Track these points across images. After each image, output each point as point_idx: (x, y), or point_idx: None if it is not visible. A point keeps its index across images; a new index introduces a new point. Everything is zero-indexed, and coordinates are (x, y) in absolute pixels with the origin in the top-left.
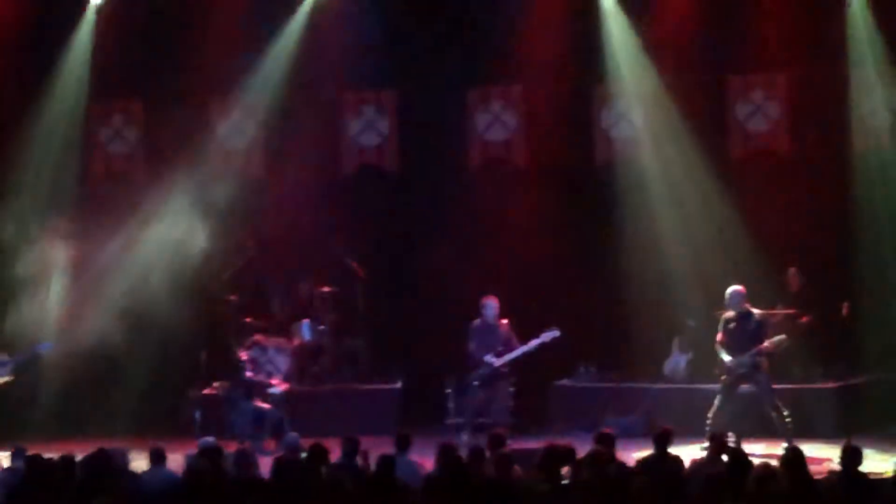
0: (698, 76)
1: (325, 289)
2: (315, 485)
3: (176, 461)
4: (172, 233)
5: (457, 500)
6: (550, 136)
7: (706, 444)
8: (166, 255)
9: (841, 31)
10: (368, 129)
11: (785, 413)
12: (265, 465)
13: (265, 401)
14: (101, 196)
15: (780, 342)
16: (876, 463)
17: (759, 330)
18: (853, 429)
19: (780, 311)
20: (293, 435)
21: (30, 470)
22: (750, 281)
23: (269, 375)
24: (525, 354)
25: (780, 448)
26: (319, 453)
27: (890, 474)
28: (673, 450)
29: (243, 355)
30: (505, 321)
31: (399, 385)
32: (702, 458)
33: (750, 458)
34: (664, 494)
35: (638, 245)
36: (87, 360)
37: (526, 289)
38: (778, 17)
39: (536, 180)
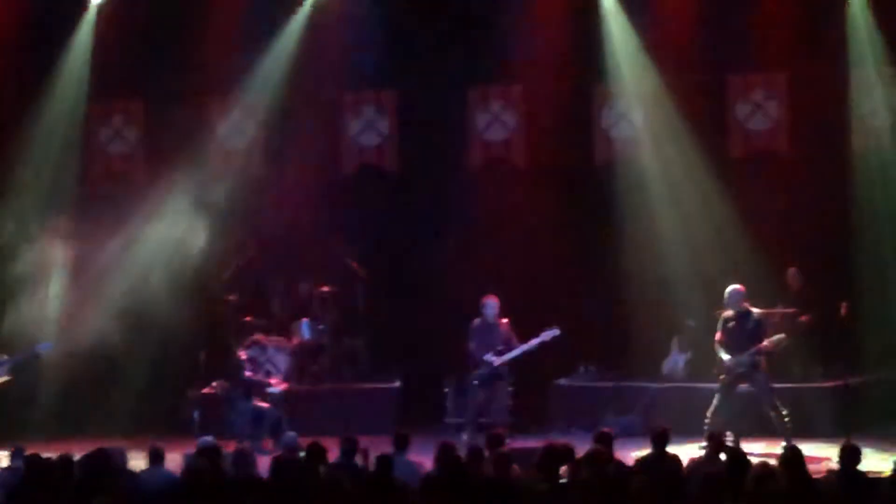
0: (698, 76)
1: (325, 288)
2: (313, 484)
3: (174, 461)
4: (172, 232)
5: (455, 500)
6: (550, 136)
7: (705, 444)
8: (166, 255)
9: (841, 31)
10: (368, 128)
11: (784, 413)
12: (264, 464)
13: (264, 400)
14: (101, 196)
15: (779, 341)
16: (875, 462)
17: (759, 329)
18: (852, 428)
19: (780, 311)
20: (292, 434)
21: (29, 469)
22: (750, 280)
23: (269, 375)
24: (525, 353)
25: (779, 447)
26: (318, 453)
27: (888, 473)
28: (672, 449)
29: (243, 355)
30: (505, 320)
31: (398, 384)
32: (700, 458)
33: (749, 458)
34: (663, 494)
35: (638, 245)
36: (87, 360)
37: (526, 288)
38: (778, 17)
39: (536, 180)
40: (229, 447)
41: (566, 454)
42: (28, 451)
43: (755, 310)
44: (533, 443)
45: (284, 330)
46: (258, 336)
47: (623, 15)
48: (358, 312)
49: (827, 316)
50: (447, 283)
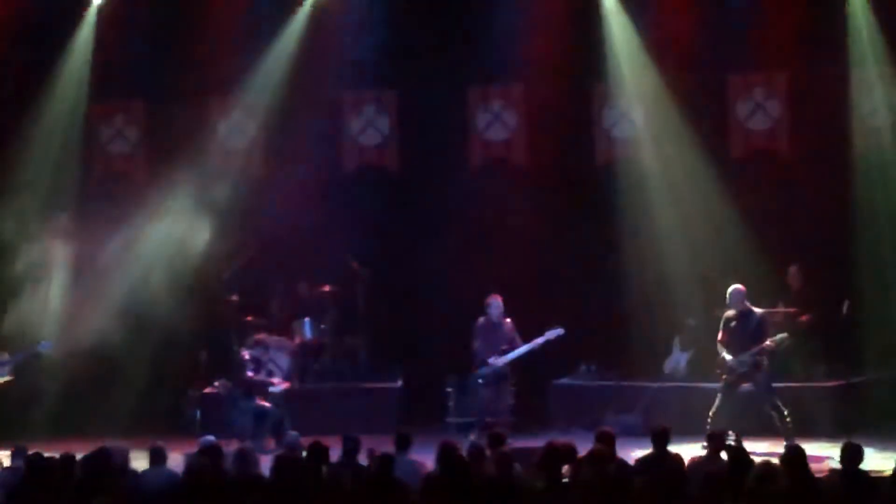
0: (699, 75)
1: (326, 288)
2: (315, 484)
3: (176, 460)
4: (173, 232)
5: (457, 500)
6: (551, 136)
7: (706, 443)
8: (167, 255)
9: (841, 30)
10: (369, 128)
11: (785, 412)
12: (265, 463)
13: (266, 400)
14: (102, 195)
15: (781, 340)
16: (876, 461)
17: (760, 328)
18: (854, 427)
19: (781, 310)
20: (293, 434)
21: (29, 469)
22: (751, 280)
23: (271, 374)
24: (529, 352)
25: (781, 446)
26: (319, 452)
27: (890, 473)
28: (673, 448)
29: (246, 354)
30: (509, 320)
31: (399, 384)
32: (701, 457)
33: (750, 457)
34: (664, 493)
35: (638, 244)
36: (88, 360)
37: (526, 288)
38: (778, 17)
39: (537, 180)
40: (231, 447)
41: (567, 454)
42: (29, 451)
43: (757, 309)
44: (534, 442)
45: (285, 329)
46: (261, 335)
47: (624, 14)
48: (358, 312)
49: (828, 315)
50: (447, 283)
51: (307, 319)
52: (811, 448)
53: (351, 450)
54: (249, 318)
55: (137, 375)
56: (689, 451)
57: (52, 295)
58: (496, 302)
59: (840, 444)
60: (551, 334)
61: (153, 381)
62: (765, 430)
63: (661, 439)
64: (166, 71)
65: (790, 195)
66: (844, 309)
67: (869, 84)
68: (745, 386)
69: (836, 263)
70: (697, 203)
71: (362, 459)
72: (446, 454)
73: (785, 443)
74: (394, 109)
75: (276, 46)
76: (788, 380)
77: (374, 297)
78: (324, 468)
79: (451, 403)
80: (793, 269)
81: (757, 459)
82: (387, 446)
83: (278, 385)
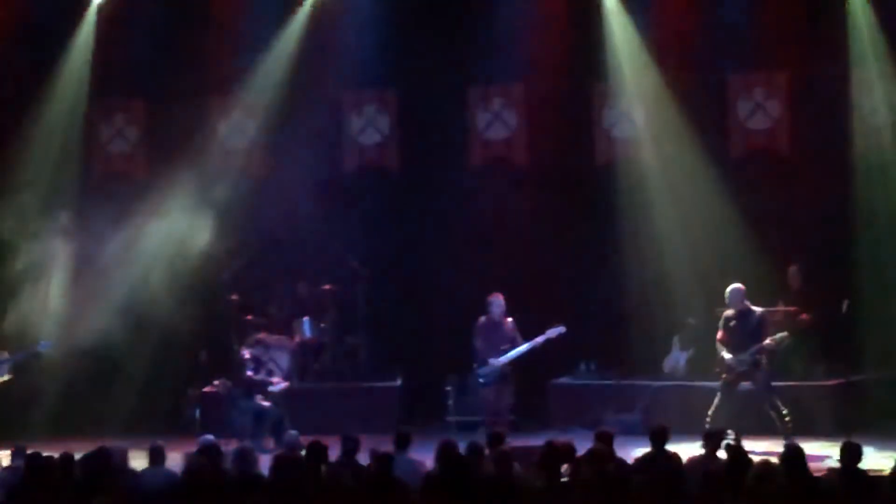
0: (699, 75)
1: (326, 287)
2: (314, 483)
3: (175, 460)
4: (173, 231)
5: (456, 499)
6: (551, 135)
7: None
8: (167, 254)
9: (841, 30)
10: (369, 128)
11: (784, 411)
12: (265, 463)
13: (265, 399)
14: (102, 195)
15: (781, 339)
16: (876, 460)
17: (760, 327)
18: (853, 426)
19: (781, 309)
20: (293, 433)
21: (29, 468)
22: (751, 279)
23: (271, 374)
24: (530, 351)
25: (780, 445)
26: (319, 451)
27: (889, 472)
28: (673, 447)
29: (247, 354)
30: (510, 319)
31: (399, 383)
32: (700, 456)
33: (749, 456)
34: (663, 492)
35: (638, 244)
36: (88, 359)
37: (526, 287)
38: (778, 17)
39: (536, 179)
40: (230, 446)
41: (567, 453)
42: (28, 451)
43: (757, 308)
44: (534, 441)
45: (285, 329)
46: (261, 335)
47: (624, 14)
48: (358, 312)
49: (828, 314)
50: (447, 282)
51: (307, 319)
52: (810, 447)
53: (350, 449)
54: (249, 318)
55: (137, 375)
56: (689, 450)
57: (52, 294)
58: (498, 300)
59: (839, 444)
60: (552, 332)
61: (153, 380)
62: (764, 429)
63: (660, 438)
64: (166, 71)
65: (790, 195)
66: (844, 308)
67: (869, 83)
68: (745, 385)
69: (836, 263)
70: (697, 203)
71: (363, 459)
72: (446, 453)
73: (784, 442)
74: (394, 109)
75: (277, 46)
76: (788, 379)
77: (374, 297)
78: (323, 468)
79: (450, 402)
80: (793, 269)
81: (756, 458)
82: (387, 446)
83: (278, 384)
